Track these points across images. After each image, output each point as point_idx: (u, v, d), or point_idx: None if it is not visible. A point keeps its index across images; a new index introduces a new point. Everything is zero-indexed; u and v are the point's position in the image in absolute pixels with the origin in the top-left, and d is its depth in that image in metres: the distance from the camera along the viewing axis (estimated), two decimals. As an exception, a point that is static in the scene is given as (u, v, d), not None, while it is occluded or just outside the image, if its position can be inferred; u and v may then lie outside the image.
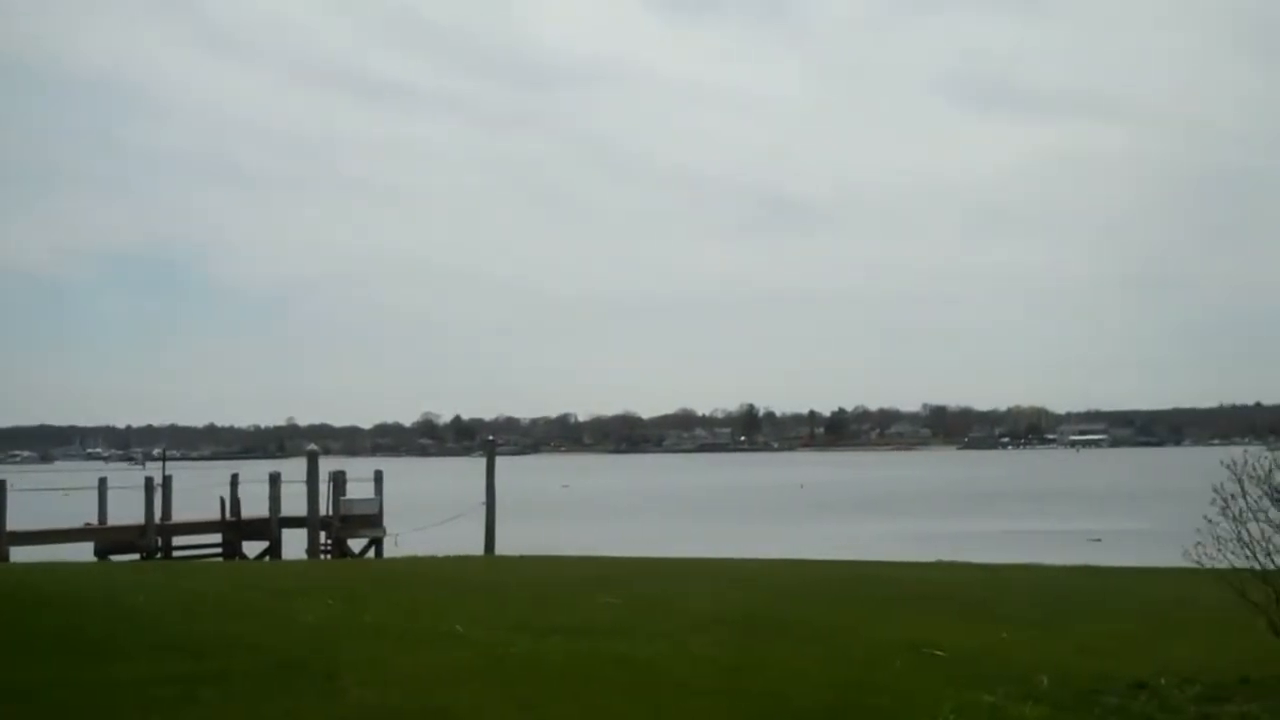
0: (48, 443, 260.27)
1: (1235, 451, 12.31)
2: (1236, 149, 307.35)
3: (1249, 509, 11.63)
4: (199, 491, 43.50)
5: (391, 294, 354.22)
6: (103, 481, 41.79)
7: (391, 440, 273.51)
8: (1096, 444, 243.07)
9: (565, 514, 68.68)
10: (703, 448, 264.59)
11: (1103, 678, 11.24)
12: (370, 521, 40.61)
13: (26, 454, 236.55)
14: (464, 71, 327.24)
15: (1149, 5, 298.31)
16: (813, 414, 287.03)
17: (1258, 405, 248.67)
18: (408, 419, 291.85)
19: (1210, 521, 11.69)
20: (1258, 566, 11.38)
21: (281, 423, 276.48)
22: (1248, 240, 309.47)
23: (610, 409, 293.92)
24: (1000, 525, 54.53)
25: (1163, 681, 11.04)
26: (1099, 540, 42.70)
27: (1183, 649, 12.84)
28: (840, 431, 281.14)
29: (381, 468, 44.13)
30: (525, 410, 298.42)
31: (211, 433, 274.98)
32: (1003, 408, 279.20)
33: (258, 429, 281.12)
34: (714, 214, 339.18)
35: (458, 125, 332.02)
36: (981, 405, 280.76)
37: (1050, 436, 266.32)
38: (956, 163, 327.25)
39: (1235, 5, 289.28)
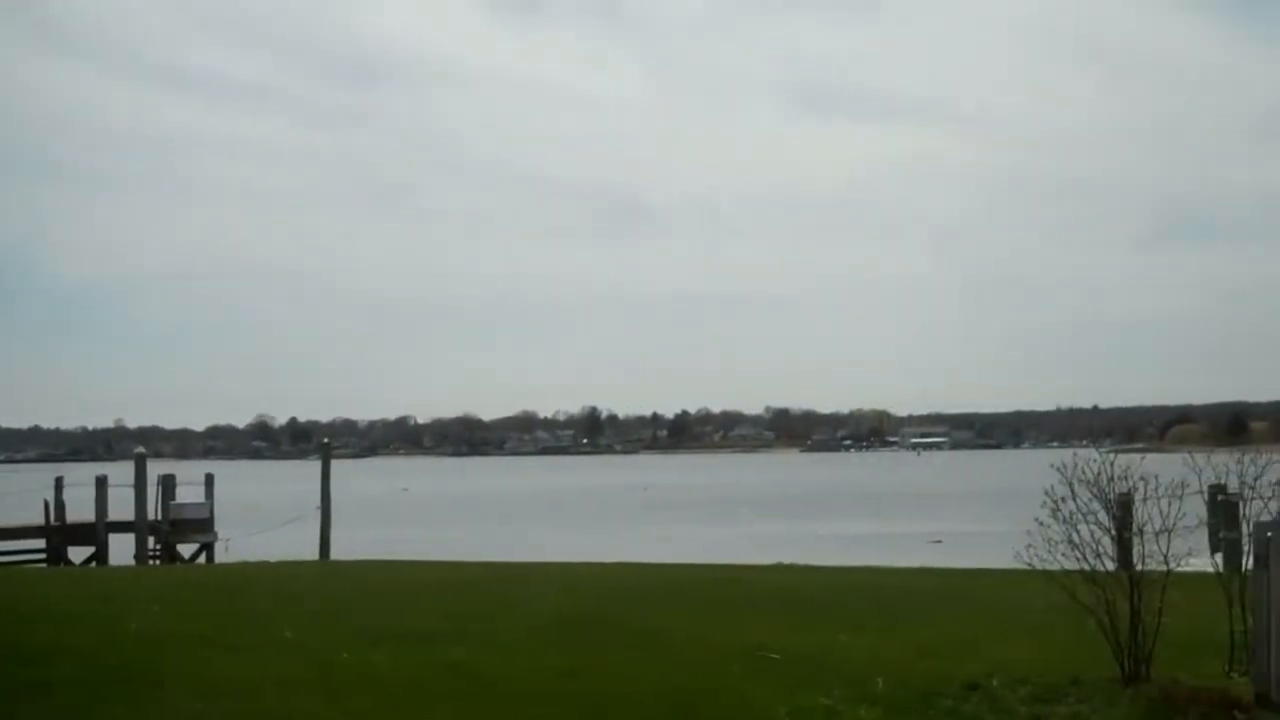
0: None
1: (1070, 454, 12.52)
2: (1073, 155, 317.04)
3: (1079, 511, 11.81)
4: (22, 495, 42.03)
5: (224, 293, 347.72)
6: (-79, 485, 40.16)
7: (225, 443, 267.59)
8: (938, 446, 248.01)
9: (404, 518, 67.85)
10: (544, 450, 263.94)
11: (938, 679, 11.35)
12: (201, 526, 39.58)
13: None
14: (297, 68, 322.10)
15: (985, 13, 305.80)
16: (655, 416, 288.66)
17: (1095, 408, 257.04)
18: (242, 421, 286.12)
19: (1041, 524, 11.85)
20: (1087, 568, 11.57)
21: (110, 424, 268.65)
22: (1085, 245, 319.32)
23: (450, 411, 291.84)
24: (841, 528, 55.15)
25: (995, 683, 11.17)
26: (939, 542, 43.37)
27: (1016, 650, 13.04)
28: (683, 434, 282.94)
29: (213, 471, 43.11)
30: (363, 412, 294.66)
31: (36, 434, 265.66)
32: (845, 410, 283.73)
33: (85, 430, 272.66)
34: (551, 215, 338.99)
35: (290, 122, 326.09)
36: (824, 408, 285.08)
37: (892, 439, 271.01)
38: (797, 166, 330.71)
39: (1069, 12, 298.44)
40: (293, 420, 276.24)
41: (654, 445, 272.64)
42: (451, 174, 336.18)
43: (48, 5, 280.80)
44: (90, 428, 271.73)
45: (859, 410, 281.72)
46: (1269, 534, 11.08)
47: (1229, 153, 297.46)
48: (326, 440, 46.30)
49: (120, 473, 40.92)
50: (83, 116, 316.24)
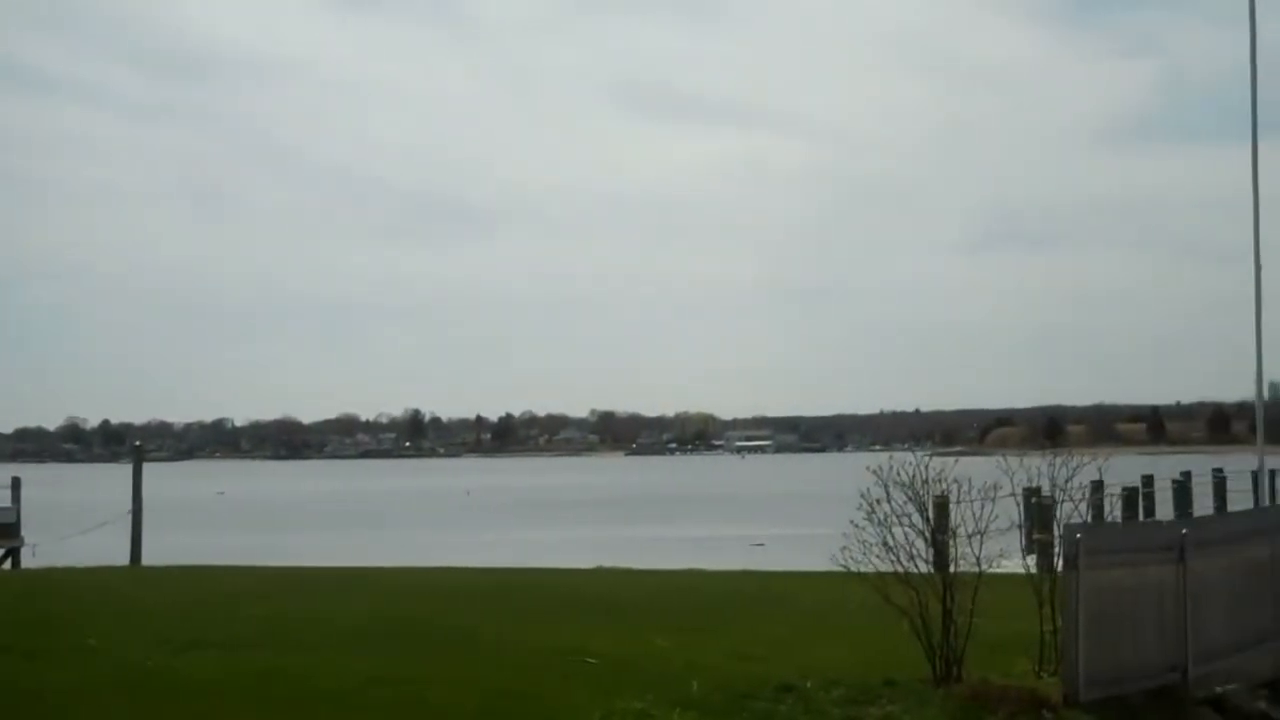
0: None
1: (896, 457, 12.61)
2: (898, 160, 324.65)
3: (893, 514, 11.92)
4: None
5: (32, 292, 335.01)
6: None
7: (34, 445, 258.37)
8: (762, 449, 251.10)
9: (219, 522, 66.22)
10: (366, 454, 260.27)
11: (752, 681, 11.37)
12: (6, 531, 38.09)
13: None
14: (118, 61, 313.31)
15: (819, 20, 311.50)
16: (480, 419, 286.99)
17: (916, 411, 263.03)
18: (52, 423, 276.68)
19: (857, 526, 11.93)
20: (901, 570, 11.68)
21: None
22: (906, 250, 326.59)
23: (269, 413, 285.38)
24: (665, 531, 55.37)
25: (809, 684, 11.22)
26: (762, 545, 43.74)
27: (831, 652, 13.13)
28: (508, 437, 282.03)
29: (21, 474, 41.50)
30: (179, 415, 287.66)
31: None
32: (671, 414, 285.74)
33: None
34: (377, 215, 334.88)
35: (111, 118, 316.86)
36: (650, 411, 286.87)
37: (717, 443, 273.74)
38: (627, 169, 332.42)
39: (901, 21, 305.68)
40: (105, 423, 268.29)
41: (478, 448, 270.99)
42: (275, 172, 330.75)
43: None
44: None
45: (685, 413, 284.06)
46: (1078, 535, 11.33)
47: (1052, 160, 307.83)
48: (139, 443, 45.05)
49: (-77, 477, 39.22)
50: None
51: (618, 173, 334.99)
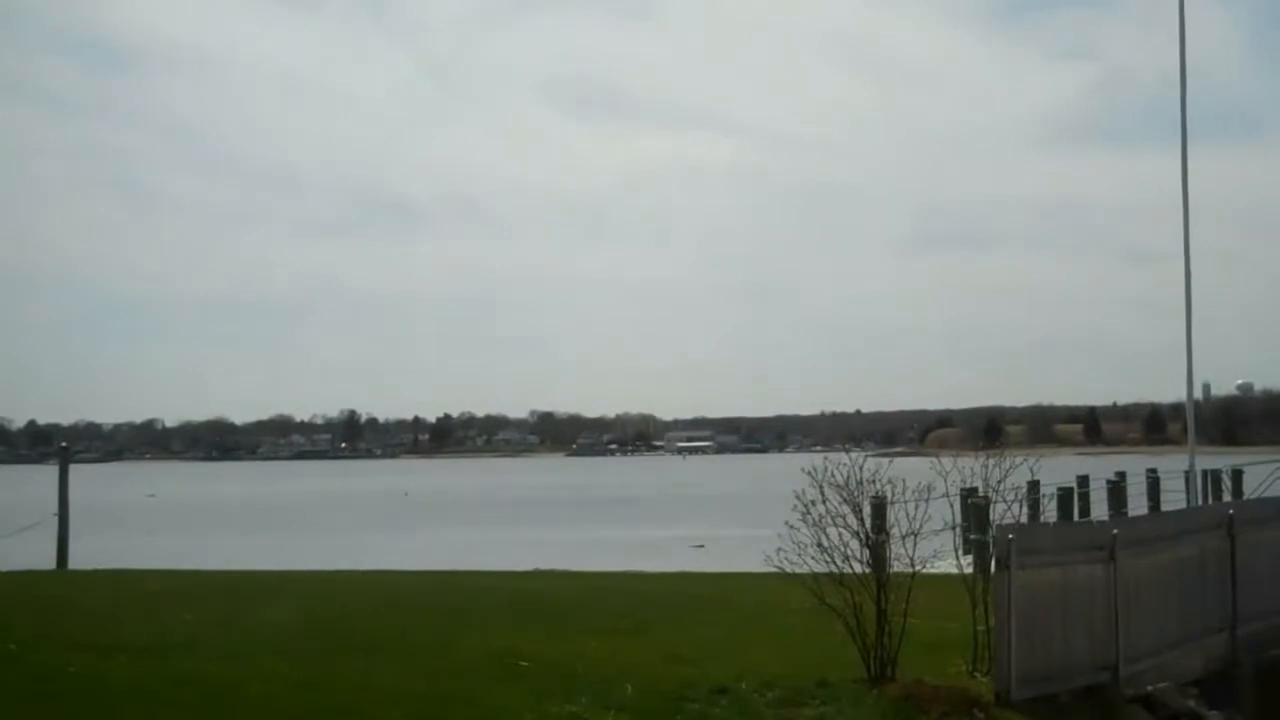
0: None
1: (832, 458, 12.58)
2: (837, 161, 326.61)
3: (828, 515, 11.89)
4: None
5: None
6: None
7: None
8: (703, 450, 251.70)
9: (149, 525, 65.42)
10: (301, 455, 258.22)
11: (687, 684, 11.30)
12: (-73, 533, 37.56)
13: None
14: (43, 57, 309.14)
15: (752, 19, 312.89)
16: (417, 420, 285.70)
17: (857, 412, 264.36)
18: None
19: (792, 527, 11.89)
20: (835, 571, 11.64)
21: None
22: (845, 252, 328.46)
23: (201, 414, 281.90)
24: (604, 533, 55.29)
25: (744, 686, 11.16)
26: (702, 547, 43.77)
27: (765, 653, 13.08)
28: (446, 438, 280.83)
29: (-55, 476, 40.95)
30: (108, 415, 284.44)
31: None
32: (611, 414, 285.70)
33: None
34: (308, 211, 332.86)
35: (28, 111, 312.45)
36: (590, 412, 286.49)
37: (658, 443, 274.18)
38: (563, 167, 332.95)
39: (839, 21, 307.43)
40: (31, 423, 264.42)
41: (415, 449, 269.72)
42: (203, 167, 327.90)
43: None
44: None
45: (625, 414, 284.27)
46: (1010, 536, 11.35)
47: (988, 161, 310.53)
48: (65, 444, 44.23)
49: None
50: None
51: (553, 170, 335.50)
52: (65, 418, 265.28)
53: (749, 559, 26.84)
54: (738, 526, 55.55)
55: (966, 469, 13.54)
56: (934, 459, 13.77)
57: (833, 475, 12.09)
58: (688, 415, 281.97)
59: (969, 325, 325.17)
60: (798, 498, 12.05)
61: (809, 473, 12.17)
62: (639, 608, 18.30)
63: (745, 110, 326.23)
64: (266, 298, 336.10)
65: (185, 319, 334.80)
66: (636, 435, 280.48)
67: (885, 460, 13.41)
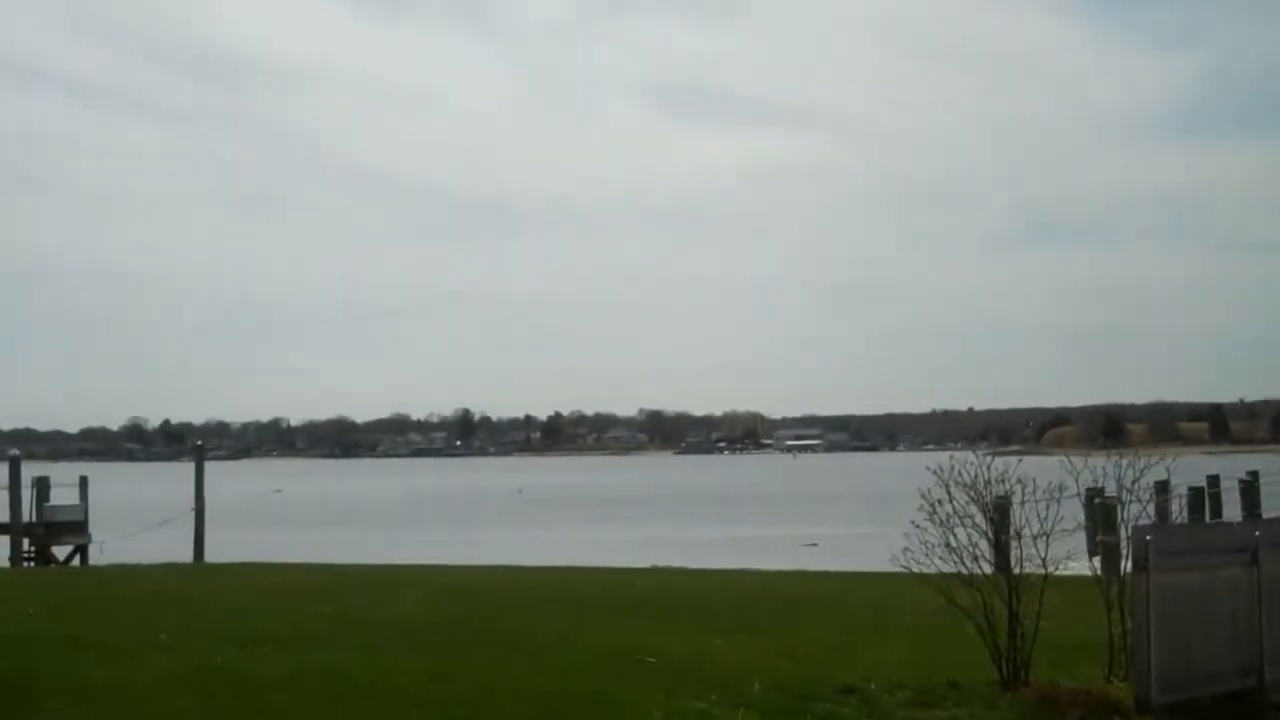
0: None
1: (947, 457, 12.42)
2: (935, 158, 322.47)
3: (955, 514, 11.72)
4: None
5: (93, 294, 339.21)
6: None
7: (98, 445, 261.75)
8: (812, 449, 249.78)
9: (277, 520, 66.73)
10: (418, 452, 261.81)
11: (813, 683, 11.24)
12: (75, 529, 38.55)
13: None
14: (156, 67, 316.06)
15: (845, 17, 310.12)
16: (529, 418, 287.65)
17: (970, 410, 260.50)
18: (115, 423, 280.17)
19: (918, 527, 11.74)
20: (964, 571, 11.48)
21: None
22: (947, 247, 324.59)
23: (323, 413, 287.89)
24: (716, 531, 55.27)
25: (872, 686, 11.07)
26: (814, 545, 43.56)
27: (892, 654, 12.96)
28: (557, 436, 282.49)
29: (87, 473, 42.05)
30: (237, 414, 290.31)
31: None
32: (719, 413, 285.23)
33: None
34: (419, 217, 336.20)
35: (155, 124, 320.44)
36: (698, 410, 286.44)
37: (766, 441, 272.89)
38: (662, 168, 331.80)
39: (929, 17, 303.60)
40: (166, 422, 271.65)
41: (527, 447, 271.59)
42: (317, 177, 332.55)
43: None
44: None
45: (733, 412, 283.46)
46: (1148, 537, 11.09)
47: (1091, 154, 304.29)
48: (200, 443, 45.36)
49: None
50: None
51: (653, 172, 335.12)
52: (196, 417, 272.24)
53: (863, 558, 26.77)
54: (849, 525, 55.26)
55: (1098, 468, 13.27)
56: (1063, 458, 13.53)
57: (959, 474, 11.90)
58: (796, 413, 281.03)
59: (1079, 320, 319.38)
60: (923, 497, 11.89)
61: (934, 471, 12.01)
62: (758, 605, 18.30)
63: (841, 108, 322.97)
64: (381, 301, 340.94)
65: (305, 321, 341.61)
66: (745, 433, 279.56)
67: (1013, 459, 13.21)
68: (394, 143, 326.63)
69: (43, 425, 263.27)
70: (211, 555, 33.98)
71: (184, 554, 33.60)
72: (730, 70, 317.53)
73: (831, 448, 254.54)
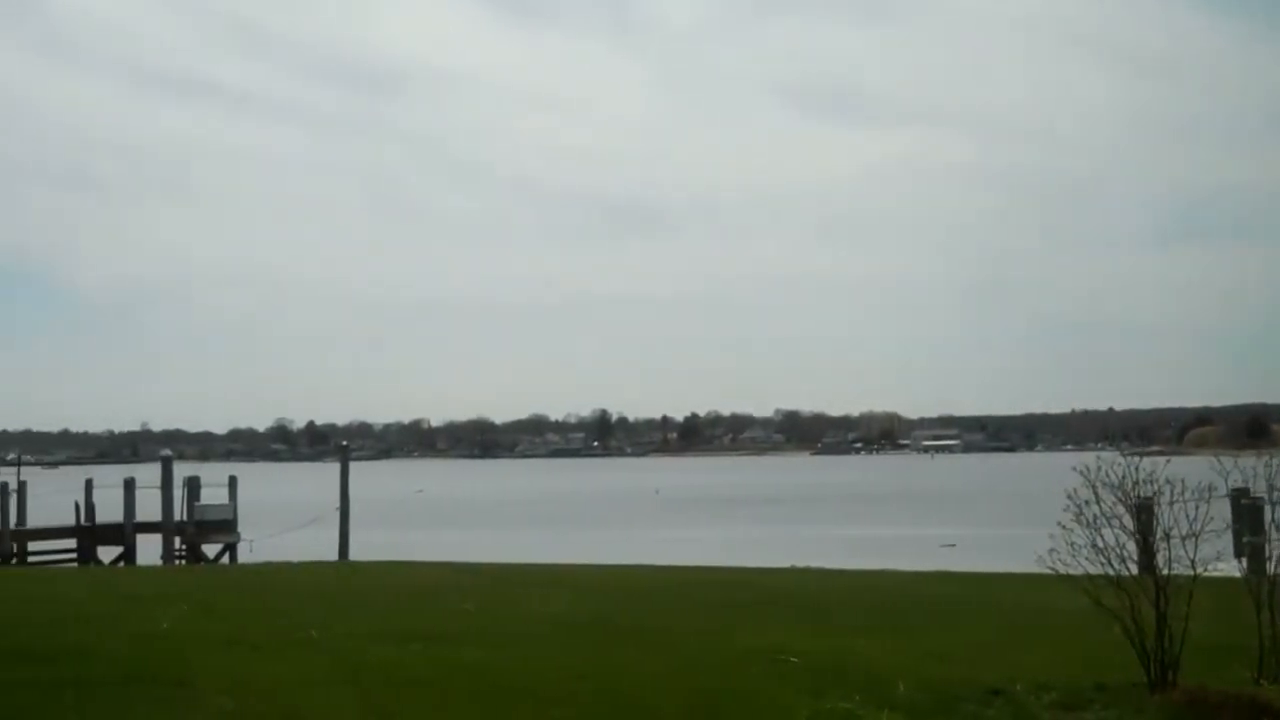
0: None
1: (1089, 457, 12.36)
2: (1076, 155, 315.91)
3: (1103, 515, 11.66)
4: (53, 497, 42.30)
5: (240, 299, 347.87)
6: (-45, 487, 40.26)
7: (245, 445, 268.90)
8: (949, 449, 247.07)
9: (419, 519, 67.90)
10: (556, 453, 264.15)
11: (958, 684, 11.22)
12: (225, 527, 39.89)
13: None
14: (305, 76, 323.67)
15: (990, 12, 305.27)
16: (665, 419, 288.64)
17: (1110, 410, 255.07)
18: (261, 424, 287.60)
19: (1064, 528, 11.69)
20: (1112, 573, 11.42)
21: (135, 428, 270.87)
22: (1091, 246, 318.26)
23: (463, 414, 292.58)
24: (853, 531, 55.05)
25: (1018, 688, 11.03)
26: (953, 546, 43.26)
27: (1038, 655, 12.90)
28: (693, 436, 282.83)
29: (235, 473, 43.34)
30: (379, 415, 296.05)
31: (65, 438, 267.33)
32: (856, 413, 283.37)
33: (112, 434, 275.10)
34: (558, 218, 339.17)
35: (299, 131, 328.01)
36: (834, 411, 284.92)
37: (903, 442, 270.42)
38: (800, 169, 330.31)
39: (1074, 11, 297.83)
40: (310, 423, 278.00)
41: (664, 448, 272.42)
42: (458, 179, 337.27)
43: (59, 21, 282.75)
44: (117, 431, 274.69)
45: (869, 413, 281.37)
46: (1297, 538, 10.95)
47: (1235, 152, 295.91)
48: (345, 443, 46.35)
49: (146, 475, 41.27)
50: (99, 128, 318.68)
51: (791, 171, 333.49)
52: (340, 418, 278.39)
53: (1003, 559, 26.53)
54: (988, 526, 54.71)
55: (1247, 469, 13.09)
56: (1212, 458, 13.36)
57: (1106, 474, 11.84)
58: (933, 413, 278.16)
59: (1225, 320, 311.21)
60: (1069, 497, 11.84)
61: (1081, 472, 11.95)
62: (899, 606, 18.28)
63: (982, 105, 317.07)
64: (521, 303, 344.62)
65: (447, 324, 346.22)
66: (881, 434, 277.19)
67: (1160, 459, 13.08)
68: (535, 147, 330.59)
69: (192, 427, 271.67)
70: (356, 554, 34.83)
71: (329, 552, 34.47)
72: (870, 70, 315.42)
73: (969, 448, 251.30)
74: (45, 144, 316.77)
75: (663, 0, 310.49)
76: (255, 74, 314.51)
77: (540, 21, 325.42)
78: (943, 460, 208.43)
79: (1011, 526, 47.23)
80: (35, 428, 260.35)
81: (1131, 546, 11.61)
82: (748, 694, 10.85)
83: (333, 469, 40.81)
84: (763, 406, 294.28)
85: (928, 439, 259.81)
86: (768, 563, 29.26)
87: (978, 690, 10.95)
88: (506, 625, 15.20)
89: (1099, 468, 11.85)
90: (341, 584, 21.82)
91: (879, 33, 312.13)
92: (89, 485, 41.02)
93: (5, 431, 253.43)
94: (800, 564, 28.43)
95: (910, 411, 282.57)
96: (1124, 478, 11.75)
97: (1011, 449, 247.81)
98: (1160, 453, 70.54)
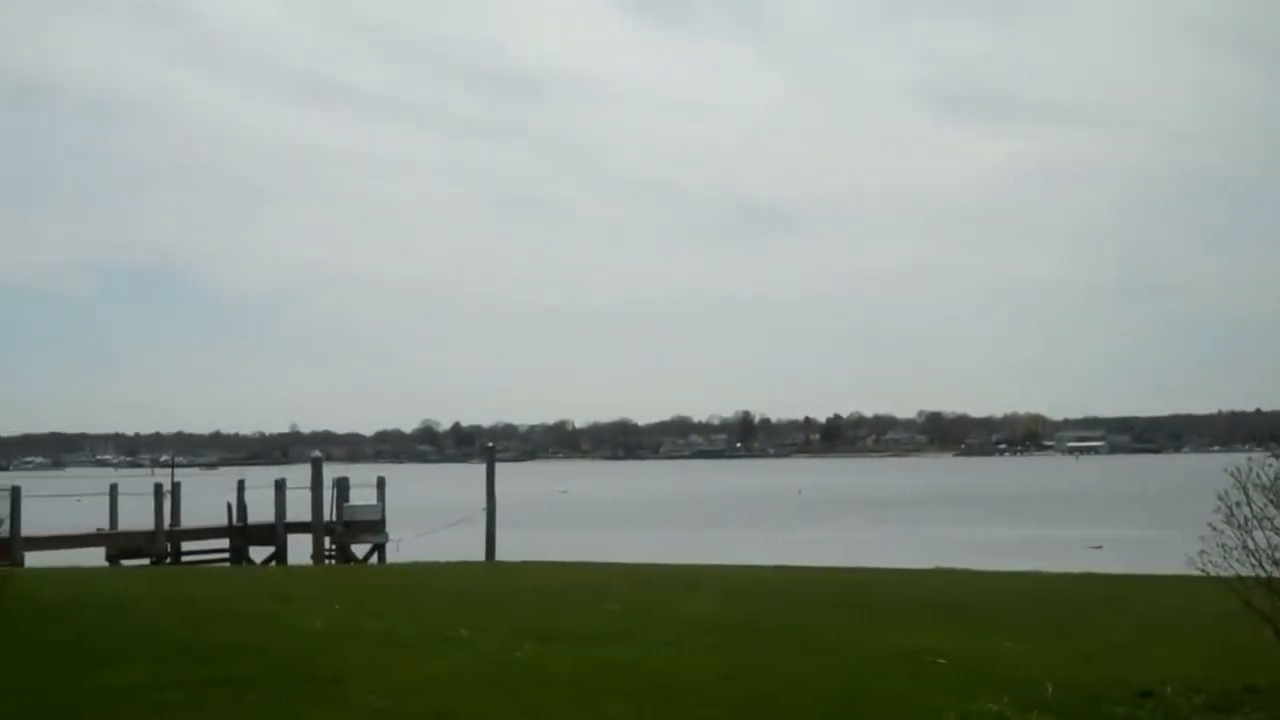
0: (59, 449, 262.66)
1: (1237, 458, 12.24)
2: (1214, 153, 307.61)
3: (1254, 517, 11.56)
4: (206, 497, 43.56)
5: (384, 303, 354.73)
6: (113, 488, 41.54)
7: (392, 447, 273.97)
8: (1094, 451, 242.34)
9: (564, 520, 68.59)
10: (699, 454, 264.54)
11: (1108, 686, 11.16)
12: (373, 527, 40.62)
13: (39, 460, 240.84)
14: (442, 81, 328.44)
15: (1120, 10, 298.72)
16: (808, 420, 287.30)
17: (1258, 411, 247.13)
18: (408, 426, 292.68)
19: (1215, 529, 11.61)
20: (1263, 574, 11.32)
21: (285, 430, 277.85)
22: (1234, 244, 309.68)
23: (607, 416, 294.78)
24: (998, 532, 54.43)
25: (1169, 690, 10.97)
26: (1099, 548, 42.63)
27: (1188, 657, 12.78)
28: (836, 438, 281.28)
29: (383, 474, 44.21)
30: (523, 417, 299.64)
31: (217, 439, 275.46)
32: (999, 415, 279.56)
33: (262, 436, 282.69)
34: (694, 220, 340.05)
35: (437, 135, 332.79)
36: (977, 412, 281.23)
37: (1048, 443, 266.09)
38: (934, 169, 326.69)
39: (1210, 12, 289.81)
40: (456, 425, 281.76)
41: (807, 449, 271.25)
42: (594, 183, 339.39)
43: (202, 27, 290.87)
44: (266, 433, 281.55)
45: (1013, 414, 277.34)
46: None
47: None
48: (490, 445, 47.10)
49: (296, 476, 42.19)
50: (243, 133, 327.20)
51: (926, 173, 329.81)
52: (485, 420, 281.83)
53: (1151, 560, 26.13)
54: (1134, 527, 53.66)
55: None
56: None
57: (1258, 476, 11.73)
58: (1077, 415, 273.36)
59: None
60: (1220, 499, 11.75)
61: (1232, 473, 11.85)
62: (1045, 607, 18.13)
63: (1120, 103, 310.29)
64: (662, 305, 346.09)
65: (589, 326, 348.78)
66: (1025, 435, 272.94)
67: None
68: (671, 150, 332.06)
69: (340, 428, 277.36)
70: (502, 554, 35.32)
71: (476, 552, 35.00)
72: (1005, 69, 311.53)
73: (1114, 450, 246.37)
74: (190, 149, 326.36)
75: (796, 2, 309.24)
76: (393, 79, 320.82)
77: (674, 24, 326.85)
78: (1088, 462, 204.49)
79: (1158, 528, 46.36)
80: (187, 430, 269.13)
81: (1284, 548, 11.49)
82: (894, 695, 10.85)
83: (478, 470, 41.46)
84: (905, 407, 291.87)
85: (1072, 440, 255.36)
86: (912, 564, 29.16)
87: (1127, 692, 10.89)
88: (651, 625, 15.31)
89: (1250, 469, 11.75)
90: (488, 583, 22.12)
91: (1012, 33, 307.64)
92: (241, 486, 42.01)
93: (159, 434, 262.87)
94: (945, 565, 28.27)
95: (1054, 413, 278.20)
96: (1276, 479, 11.64)
97: (1157, 450, 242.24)
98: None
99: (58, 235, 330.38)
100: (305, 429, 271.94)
